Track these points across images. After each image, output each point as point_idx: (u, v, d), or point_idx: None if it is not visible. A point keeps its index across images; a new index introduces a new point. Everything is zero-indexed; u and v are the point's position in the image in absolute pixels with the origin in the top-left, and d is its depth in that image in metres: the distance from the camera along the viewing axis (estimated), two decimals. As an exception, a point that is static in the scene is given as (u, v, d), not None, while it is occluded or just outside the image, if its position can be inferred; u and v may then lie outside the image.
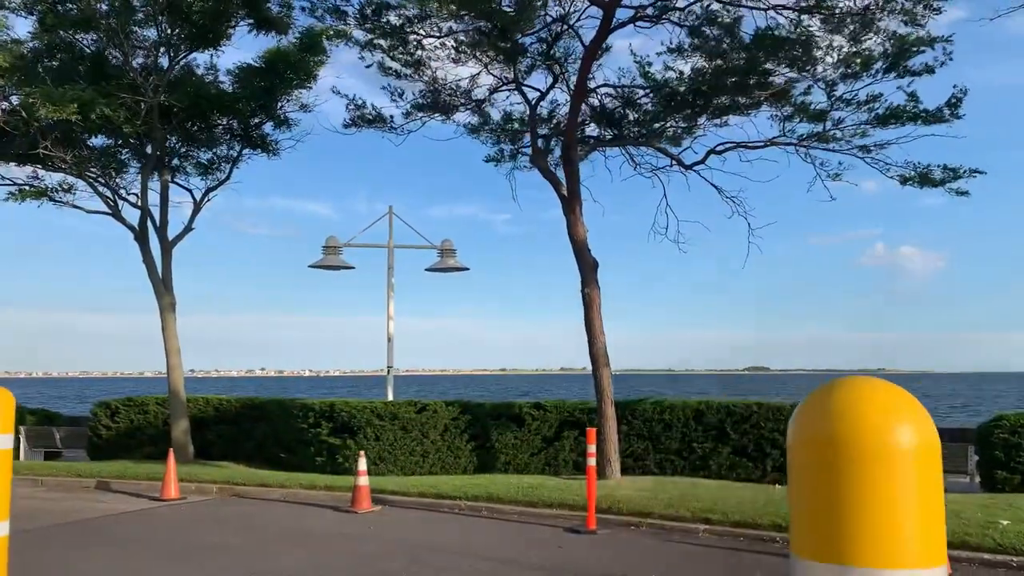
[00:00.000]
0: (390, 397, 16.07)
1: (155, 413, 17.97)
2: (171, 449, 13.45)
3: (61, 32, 14.33)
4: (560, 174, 13.17)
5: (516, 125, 14.79)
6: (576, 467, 14.97)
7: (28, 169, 16.36)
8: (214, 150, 17.47)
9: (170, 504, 12.89)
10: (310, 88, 16.84)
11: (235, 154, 17.56)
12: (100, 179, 15.76)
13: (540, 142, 13.89)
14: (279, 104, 16.95)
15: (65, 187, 15.56)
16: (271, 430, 16.65)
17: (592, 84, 12.96)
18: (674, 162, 13.63)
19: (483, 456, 15.14)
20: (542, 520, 11.02)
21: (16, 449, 19.80)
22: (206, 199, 17.43)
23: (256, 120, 17.31)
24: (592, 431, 10.52)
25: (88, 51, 15.07)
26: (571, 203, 12.91)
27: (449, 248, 16.29)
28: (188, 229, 17.16)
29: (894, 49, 12.50)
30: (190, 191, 17.66)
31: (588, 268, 13.07)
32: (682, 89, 12.87)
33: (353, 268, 16.02)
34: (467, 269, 16.44)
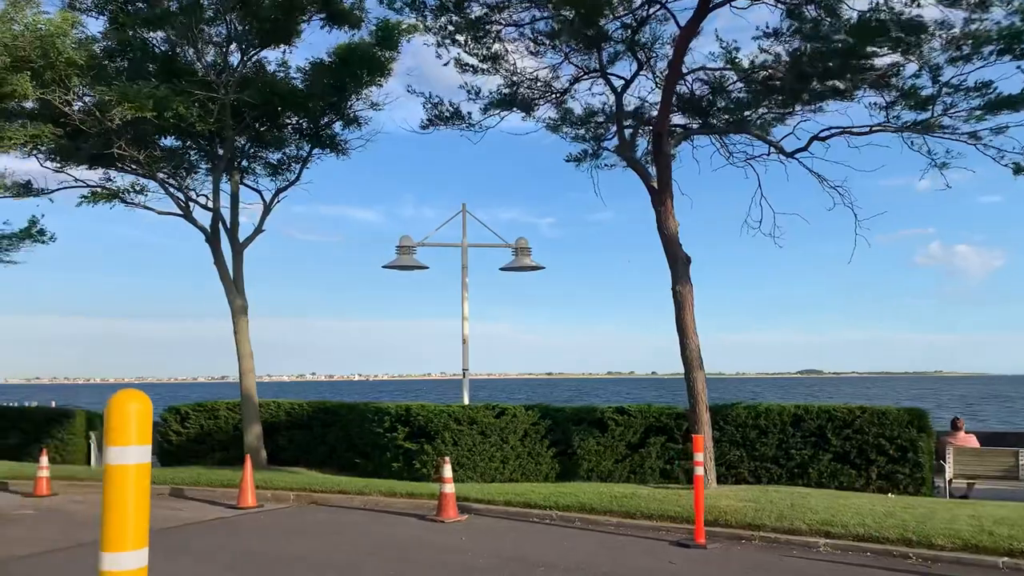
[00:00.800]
0: (466, 401, 15.53)
1: (226, 418, 17.71)
2: (247, 456, 13.08)
3: (132, 31, 14.10)
4: (649, 168, 12.49)
5: (600, 117, 14.14)
6: (663, 475, 14.25)
7: (98, 173, 16.24)
8: (283, 150, 17.16)
9: (248, 512, 12.49)
10: (380, 86, 16.44)
11: (304, 154, 17.23)
12: (171, 180, 15.54)
13: (626, 133, 13.20)
14: (349, 102, 16.57)
15: (137, 188, 15.38)
16: (344, 435, 16.24)
17: (683, 69, 12.23)
18: (773, 150, 12.84)
19: (565, 463, 14.50)
20: (643, 532, 10.34)
21: (87, 454, 19.75)
22: (276, 200, 17.14)
23: (326, 119, 16.96)
24: (699, 438, 9.82)
25: (159, 50, 14.86)
26: (662, 195, 12.21)
27: (524, 247, 15.71)
28: (258, 231, 16.88)
29: (1012, 30, 11.59)
30: (259, 192, 17.40)
31: (680, 264, 12.36)
32: (780, 74, 12.10)
33: (427, 268, 15.55)
34: (542, 268, 15.85)
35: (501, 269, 15.85)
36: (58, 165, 15.10)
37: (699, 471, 9.68)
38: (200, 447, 17.75)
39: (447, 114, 13.89)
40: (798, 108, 12.85)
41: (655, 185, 12.30)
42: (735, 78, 12.86)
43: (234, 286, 16.09)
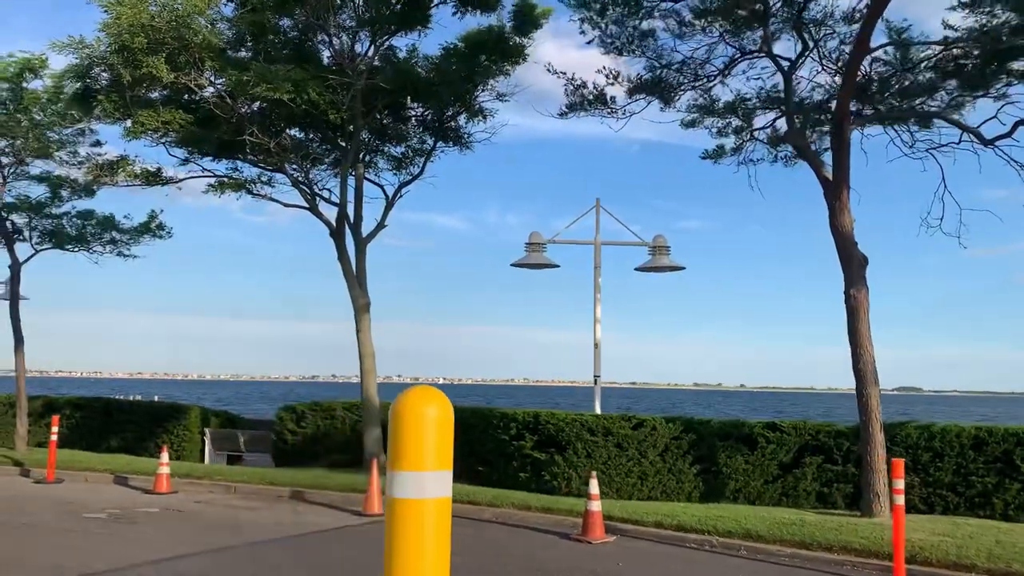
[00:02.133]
0: (598, 410, 14.51)
1: (343, 419, 17.16)
2: (373, 460, 12.37)
3: (263, 15, 13.63)
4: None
5: (756, 103, 12.94)
6: (820, 499, 12.91)
7: (223, 165, 15.93)
8: (407, 143, 16.53)
9: (375, 520, 11.77)
10: (509, 75, 15.59)
11: (428, 147, 16.55)
12: (297, 172, 15.07)
13: (795, 120, 11.93)
14: (477, 93, 15.79)
15: (264, 179, 14.97)
16: (466, 441, 15.40)
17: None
18: (970, 137, 11.37)
19: (709, 482, 13.29)
20: (825, 567, 9.09)
21: (201, 450, 19.55)
22: (399, 195, 16.51)
23: (451, 111, 16.24)
24: (899, 462, 8.53)
25: (290, 34, 14.40)
26: (838, 188, 10.94)
27: (662, 245, 14.59)
28: (381, 226, 16.26)
29: None
30: (381, 187, 16.79)
31: (855, 265, 11.05)
32: (976, 52, 10.70)
33: (557, 266, 14.62)
34: (682, 268, 14.69)
35: (637, 269, 14.79)
36: (185, 154, 14.81)
37: (899, 500, 8.41)
38: (316, 448, 17.24)
39: (590, 98, 12.92)
40: (992, 89, 11.35)
41: (829, 176, 11.04)
42: (920, 57, 11.48)
43: (357, 282, 15.51)
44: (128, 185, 14.67)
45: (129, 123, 13.83)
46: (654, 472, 13.21)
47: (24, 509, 12.15)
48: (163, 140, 14.10)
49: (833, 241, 11.21)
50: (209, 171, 15.17)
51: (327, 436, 17.27)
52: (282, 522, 11.55)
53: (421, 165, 16.54)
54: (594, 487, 10.48)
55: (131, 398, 28.90)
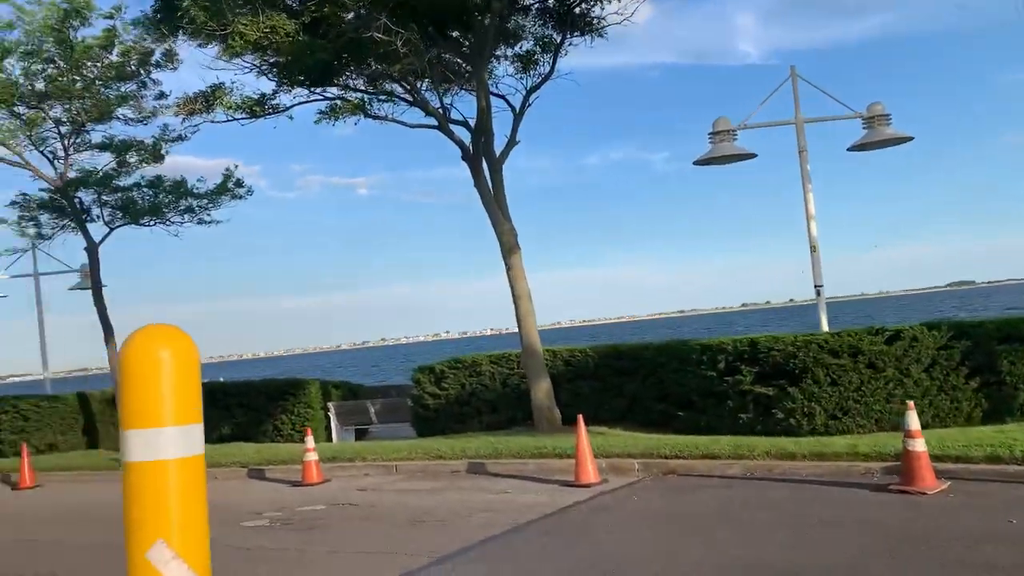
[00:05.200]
0: (824, 327, 11.85)
1: (490, 374, 14.73)
2: (580, 417, 9.87)
3: None
4: None
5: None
6: None
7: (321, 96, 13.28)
8: (533, 35, 13.74)
9: (604, 491, 9.31)
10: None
11: (558, 39, 13.74)
12: (428, 80, 12.38)
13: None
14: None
15: (385, 93, 12.31)
16: (655, 383, 12.91)
17: None
18: None
19: (992, 396, 10.60)
20: None
21: (326, 429, 17.38)
22: (528, 104, 13.79)
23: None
24: None
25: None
26: None
27: (881, 114, 11.68)
28: (512, 142, 13.62)
29: None
30: (504, 98, 14.07)
31: None
32: None
33: (754, 156, 11.82)
34: (910, 139, 11.79)
35: (850, 149, 11.92)
36: (280, 81, 12.16)
37: None
38: (463, 409, 14.87)
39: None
40: None
41: None
42: None
43: (498, 210, 12.94)
44: (227, 120, 12.21)
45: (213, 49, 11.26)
46: (921, 393, 10.53)
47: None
48: (263, 61, 11.50)
49: None
50: (319, 94, 12.53)
51: (474, 395, 14.88)
52: (494, 504, 9.20)
53: (551, 62, 13.77)
54: (913, 420, 7.84)
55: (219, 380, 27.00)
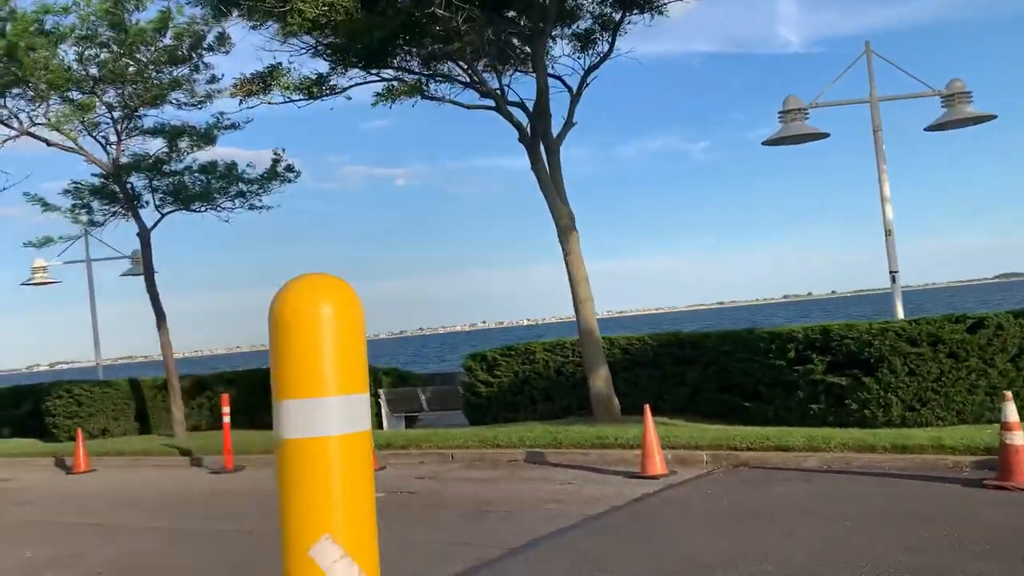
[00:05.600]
0: (900, 315, 11.34)
1: (544, 362, 14.42)
2: (647, 407, 9.54)
3: None
4: None
5: None
6: None
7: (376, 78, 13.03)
8: (590, 13, 13.34)
9: (673, 484, 8.97)
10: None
11: (617, 17, 13.33)
12: (487, 58, 12.07)
13: None
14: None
15: (442, 74, 12.02)
16: (719, 372, 12.51)
17: None
18: None
19: (1083, 389, 10.04)
20: None
21: (376, 416, 17.21)
22: (586, 84, 13.40)
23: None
24: None
25: None
26: None
27: (961, 91, 11.11)
28: (569, 124, 13.25)
29: None
30: (560, 79, 13.70)
31: None
32: None
33: (827, 136, 11.33)
34: (994, 117, 11.21)
35: (927, 129, 11.37)
36: (338, 60, 11.89)
37: None
38: (516, 398, 14.58)
39: None
40: None
41: None
42: None
43: (555, 193, 12.60)
44: (284, 101, 12.01)
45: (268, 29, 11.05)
46: (1007, 384, 10.00)
47: (232, 511, 9.84)
48: (319, 41, 11.27)
49: None
50: (374, 75, 12.27)
51: (527, 383, 14.58)
52: (556, 497, 8.89)
53: (610, 41, 13.36)
54: (1011, 412, 7.39)
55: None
